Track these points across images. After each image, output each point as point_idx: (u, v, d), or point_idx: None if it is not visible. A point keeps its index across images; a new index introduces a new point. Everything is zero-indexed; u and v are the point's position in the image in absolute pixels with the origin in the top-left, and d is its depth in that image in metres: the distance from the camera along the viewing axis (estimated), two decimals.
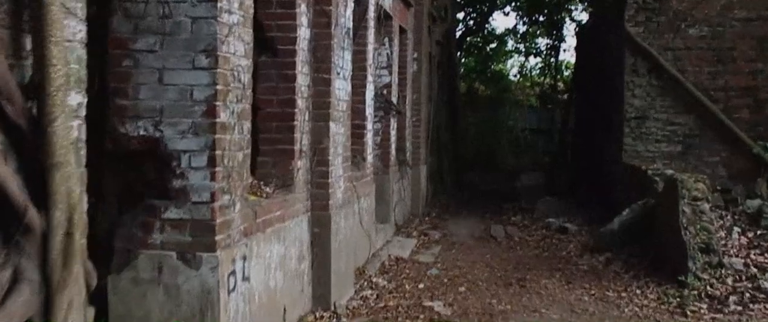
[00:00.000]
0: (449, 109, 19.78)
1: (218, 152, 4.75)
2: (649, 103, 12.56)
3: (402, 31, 12.14)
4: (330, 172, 6.91)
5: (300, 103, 6.48)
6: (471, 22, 28.29)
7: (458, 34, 26.45)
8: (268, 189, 6.27)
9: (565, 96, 30.07)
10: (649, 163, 12.33)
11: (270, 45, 6.38)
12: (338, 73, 7.10)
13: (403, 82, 12.43)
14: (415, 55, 13.44)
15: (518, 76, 34.66)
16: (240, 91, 5.07)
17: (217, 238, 4.75)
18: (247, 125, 5.24)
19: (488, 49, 32.09)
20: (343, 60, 7.24)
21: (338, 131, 7.18)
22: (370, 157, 9.60)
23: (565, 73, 31.81)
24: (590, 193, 14.05)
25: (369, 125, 9.51)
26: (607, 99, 14.15)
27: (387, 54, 11.16)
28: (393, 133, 11.44)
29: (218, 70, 4.69)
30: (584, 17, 27.43)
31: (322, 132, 6.85)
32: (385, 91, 11.13)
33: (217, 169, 4.74)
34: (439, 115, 17.95)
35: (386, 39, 11.14)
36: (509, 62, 35.45)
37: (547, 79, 31.09)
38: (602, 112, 14.50)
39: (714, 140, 12.44)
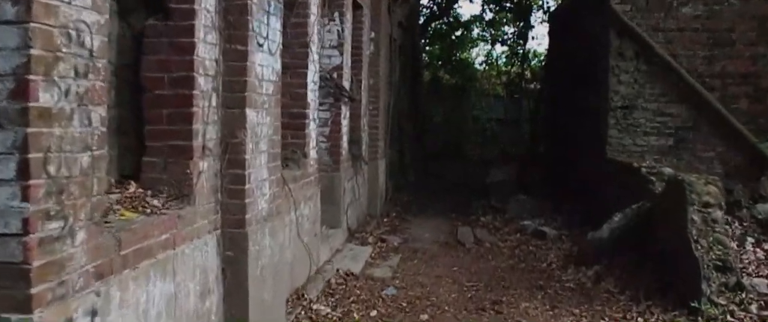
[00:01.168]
0: (412, 98, 18.03)
1: (36, 155, 2.93)
2: (637, 91, 10.92)
3: (356, 5, 10.32)
4: (248, 175, 5.10)
5: (202, 82, 4.65)
6: (435, 8, 26.54)
7: (422, 19, 24.72)
8: (156, 202, 4.44)
9: (533, 85, 28.61)
10: (636, 158, 10.70)
11: (161, 4, 4.55)
12: (260, 45, 5.28)
13: (357, 65, 10.62)
14: (373, 36, 11.64)
15: (484, 64, 33.06)
16: (82, 61, 3.23)
17: (36, 290, 2.94)
18: (99, 113, 3.39)
19: (454, 36, 30.36)
20: (267, 27, 5.42)
21: (261, 121, 5.36)
22: (313, 153, 7.80)
23: (533, 62, 30.28)
24: (568, 191, 12.39)
25: (312, 114, 7.71)
26: (587, 87, 12.48)
27: (337, 31, 9.35)
28: (345, 123, 9.64)
29: (33, 24, 2.87)
30: (552, 4, 25.91)
31: (237, 122, 5.02)
32: (335, 75, 9.33)
33: (33, 182, 2.92)
34: (401, 104, 16.20)
35: (336, 13, 9.32)
36: (474, 51, 33.83)
37: (514, 68, 29.47)
38: (581, 102, 12.83)
39: (709, 133, 10.84)
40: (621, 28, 10.86)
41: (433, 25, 27.43)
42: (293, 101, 7.42)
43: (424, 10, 25.39)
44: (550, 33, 17.61)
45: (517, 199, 12.19)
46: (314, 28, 7.56)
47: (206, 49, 4.70)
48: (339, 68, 9.36)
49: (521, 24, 28.52)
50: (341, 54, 9.37)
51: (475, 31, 31.53)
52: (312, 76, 7.62)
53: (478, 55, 34.83)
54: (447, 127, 26.99)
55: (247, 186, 5.07)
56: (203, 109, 4.69)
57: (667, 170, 8.81)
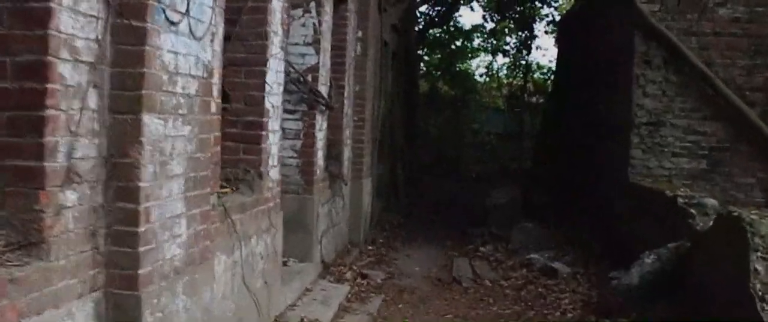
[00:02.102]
0: (407, 109, 16.40)
1: None
2: (665, 105, 9.30)
3: None
4: (144, 211, 3.45)
5: (67, 72, 3.02)
6: (435, 15, 24.97)
7: (420, 26, 23.15)
8: None
9: (536, 99, 27.03)
10: (663, 183, 9.09)
11: None
12: (173, 23, 3.64)
13: (340, 68, 9.01)
14: (360, 35, 10.01)
15: (485, 76, 31.49)
16: None
17: None
18: None
19: (453, 45, 28.79)
20: None
21: (173, 133, 3.72)
22: (274, 173, 6.16)
23: (536, 75, 28.72)
24: (581, 219, 10.73)
25: (273, 124, 6.08)
26: (605, 100, 10.87)
27: (313, 24, 7.72)
28: (321, 135, 8.01)
29: None
30: (557, 14, 24.38)
31: (129, 134, 3.39)
32: (309, 77, 7.70)
33: None
34: (394, 115, 14.58)
35: (312, 3, 7.71)
36: (475, 62, 32.28)
37: (516, 80, 27.89)
38: (597, 116, 11.21)
39: (749, 156, 9.24)
40: (648, 31, 9.26)
41: (431, 32, 25.85)
42: (247, 107, 5.80)
43: (423, 16, 23.85)
44: (558, 41, 16.04)
45: (521, 226, 10.53)
46: (277, 16, 5.93)
47: (77, 21, 3.07)
48: (314, 70, 7.73)
49: (524, 34, 27.03)
50: (317, 52, 7.74)
51: (476, 42, 30.03)
52: (274, 76, 5.99)
53: (478, 66, 33.34)
54: (444, 140, 25.40)
55: (142, 227, 3.42)
56: (69, 114, 3.05)
57: (711, 202, 7.17)
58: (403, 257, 9.99)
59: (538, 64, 29.33)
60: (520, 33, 26.66)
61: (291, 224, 7.47)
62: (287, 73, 7.37)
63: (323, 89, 7.94)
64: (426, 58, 28.32)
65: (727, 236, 5.91)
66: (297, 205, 7.68)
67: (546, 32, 30.66)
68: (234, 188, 5.65)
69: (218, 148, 4.58)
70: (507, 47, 28.30)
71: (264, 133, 5.90)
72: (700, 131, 9.30)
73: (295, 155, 7.70)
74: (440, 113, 26.81)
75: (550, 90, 14.72)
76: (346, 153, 9.52)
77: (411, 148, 16.95)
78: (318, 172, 7.93)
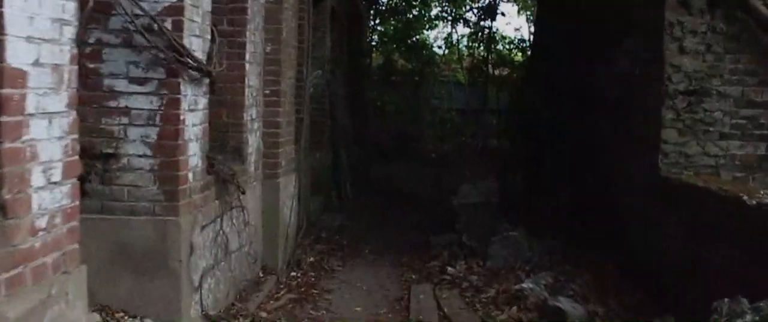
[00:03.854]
0: (352, 82, 13.28)
1: None
2: (711, 66, 6.36)
3: None
4: None
5: None
6: None
7: None
8: None
9: (500, 71, 24.08)
10: (707, 173, 6.22)
11: None
12: None
13: (236, 15, 5.90)
14: None
15: (443, 47, 28.38)
16: None
17: None
18: None
19: (410, 14, 25.55)
20: None
21: None
22: (45, 200, 3.05)
23: (499, 46, 25.70)
24: (585, 226, 7.76)
25: (42, 102, 2.96)
26: (617, 58, 7.86)
27: None
28: (193, 119, 4.85)
29: None
30: None
31: None
32: (167, 23, 4.53)
33: None
34: (335, 89, 11.47)
35: None
36: (433, 33, 29.09)
37: (478, 52, 24.85)
38: (602, 85, 8.24)
39: None
40: None
41: None
42: None
43: None
44: None
45: (503, 237, 7.51)
46: None
47: None
48: (176, 11, 4.57)
49: (488, 2, 23.92)
50: None
51: (434, 11, 26.83)
52: (40, 7, 2.87)
53: (437, 37, 30.18)
54: (401, 119, 22.41)
55: None
56: None
57: None
58: (339, 286, 6.94)
59: (502, 35, 26.37)
60: None
61: (144, 264, 4.44)
62: (125, 14, 4.29)
63: (196, 44, 4.80)
64: (379, 28, 25.14)
65: None
66: (153, 234, 4.57)
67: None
68: None
69: None
70: (468, 16, 25.16)
71: (19, 118, 2.79)
72: (759, 102, 6.40)
73: (148, 153, 4.57)
74: (397, 89, 23.77)
75: (530, 55, 11.62)
76: (252, 142, 6.40)
77: (361, 130, 13.81)
78: (190, 177, 4.81)
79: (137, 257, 4.55)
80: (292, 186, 7.47)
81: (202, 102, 5.01)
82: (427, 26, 27.59)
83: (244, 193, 5.66)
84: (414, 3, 25.14)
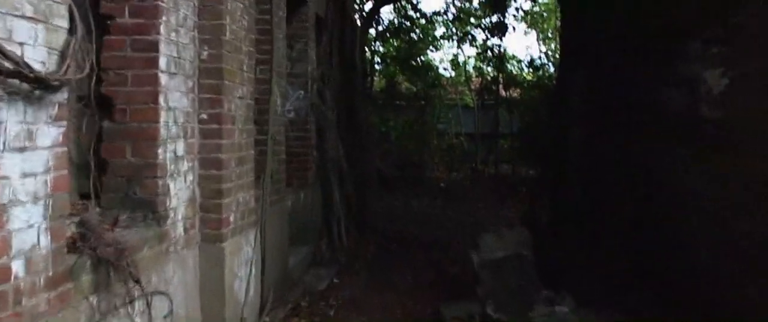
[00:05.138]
0: (348, 106, 11.10)
1: None
2: None
3: None
4: None
5: None
6: None
7: (371, 3, 17.82)
8: None
9: (508, 93, 21.91)
10: None
11: None
12: None
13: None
14: None
15: (450, 69, 26.29)
16: None
17: None
18: None
19: (413, 33, 23.42)
20: None
21: None
22: None
23: (508, 67, 23.53)
24: (655, 290, 5.54)
25: None
26: (685, 69, 5.69)
27: None
28: (19, 167, 2.69)
29: None
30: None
31: None
32: None
33: None
34: (324, 114, 9.31)
35: None
36: (439, 54, 27.03)
37: (490, 71, 22.71)
38: (665, 100, 6.05)
39: None
40: None
41: (386, 7, 20.47)
42: None
43: None
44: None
45: (548, 313, 5.31)
46: None
47: None
48: None
49: (496, 19, 21.75)
50: None
51: (439, 31, 24.73)
52: None
53: (442, 59, 28.11)
54: (405, 145, 20.32)
55: None
56: None
57: None
58: None
59: (512, 54, 24.30)
60: (491, 13, 21.41)
61: None
62: None
63: (24, 33, 2.65)
64: (381, 49, 23.09)
65: None
66: None
67: (514, 17, 25.48)
68: None
69: None
70: (475, 33, 23.04)
71: None
72: None
73: None
74: (401, 113, 21.70)
75: (560, 67, 9.42)
76: (177, 191, 4.22)
77: (359, 159, 11.59)
78: (16, 270, 2.64)
79: None
80: (250, 248, 5.26)
81: (50, 135, 2.85)
82: (432, 47, 25.53)
83: (137, 282, 3.46)
84: (417, 21, 23.08)
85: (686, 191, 5.71)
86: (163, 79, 4.01)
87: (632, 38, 6.79)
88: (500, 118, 21.41)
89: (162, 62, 3.99)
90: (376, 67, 22.54)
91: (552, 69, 23.01)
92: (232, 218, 4.79)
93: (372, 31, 19.67)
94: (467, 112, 24.14)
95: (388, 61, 23.04)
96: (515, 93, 22.39)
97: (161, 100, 4.00)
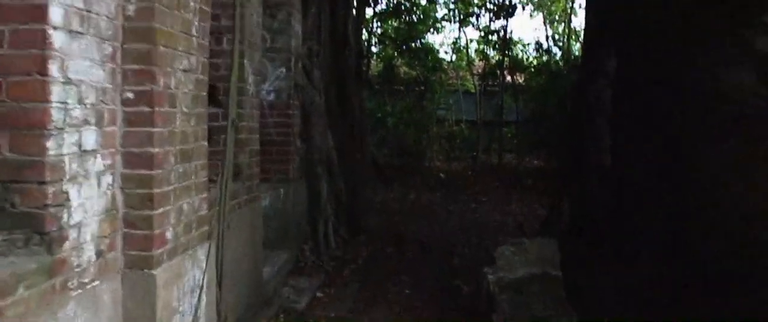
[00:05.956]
0: (337, 86, 9.81)
1: None
2: None
3: None
4: None
5: None
6: None
7: None
8: None
9: (513, 79, 20.64)
10: None
11: None
12: None
13: None
14: None
15: (451, 52, 24.97)
16: None
17: None
18: None
19: (415, 15, 22.05)
20: None
21: None
22: None
23: (514, 51, 22.18)
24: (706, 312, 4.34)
25: None
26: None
27: None
28: None
29: None
30: None
31: None
32: None
33: None
34: (310, 96, 8.05)
35: None
36: (439, 38, 25.68)
37: (494, 55, 21.43)
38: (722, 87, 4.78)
39: None
40: None
41: None
42: None
43: None
44: None
45: None
46: None
47: None
48: None
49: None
50: None
51: (440, 13, 23.36)
52: None
53: (443, 43, 26.73)
54: (403, 132, 19.11)
55: None
56: None
57: None
58: None
59: (518, 38, 22.99)
60: None
61: None
62: None
63: None
64: (379, 30, 21.77)
65: None
66: None
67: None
68: None
69: None
70: (477, 12, 21.67)
71: None
72: None
73: None
74: (399, 98, 20.47)
75: (587, 49, 8.02)
76: (84, 200, 2.97)
77: (352, 150, 10.31)
78: None
79: None
80: (199, 270, 4.00)
81: None
82: (432, 29, 24.17)
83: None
84: (417, 1, 21.73)
85: (757, 198, 4.50)
86: (58, 38, 2.75)
87: (683, 6, 5.52)
88: (504, 105, 20.17)
89: (55, 14, 2.73)
90: (374, 49, 21.28)
91: (560, 54, 21.79)
92: (169, 234, 3.53)
93: (369, 11, 18.40)
94: (468, 98, 22.94)
95: (386, 42, 21.72)
96: (520, 79, 21.21)
97: (53, 69, 2.73)
